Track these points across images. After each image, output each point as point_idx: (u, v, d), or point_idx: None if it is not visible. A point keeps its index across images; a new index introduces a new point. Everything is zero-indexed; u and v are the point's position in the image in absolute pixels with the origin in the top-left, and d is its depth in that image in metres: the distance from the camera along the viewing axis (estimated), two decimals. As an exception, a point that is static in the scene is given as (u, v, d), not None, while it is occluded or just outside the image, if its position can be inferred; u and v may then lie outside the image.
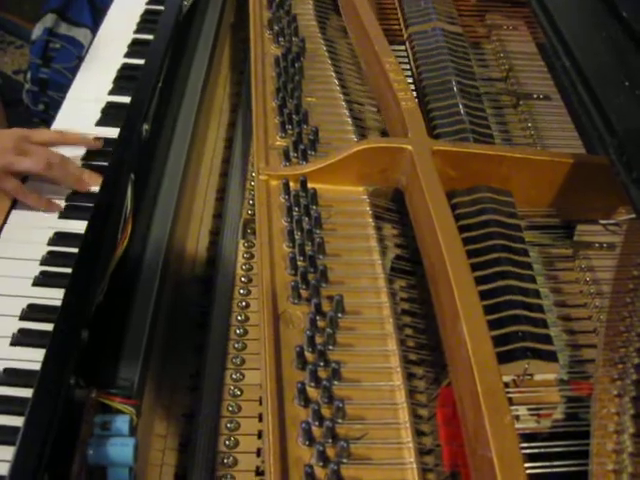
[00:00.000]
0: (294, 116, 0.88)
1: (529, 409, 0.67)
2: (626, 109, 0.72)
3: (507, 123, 0.98)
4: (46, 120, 2.15)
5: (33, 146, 0.98)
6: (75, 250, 0.91)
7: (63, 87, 2.04)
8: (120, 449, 0.58)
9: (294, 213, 0.77)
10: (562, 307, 0.77)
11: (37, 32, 2.07)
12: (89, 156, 1.04)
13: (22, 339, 0.82)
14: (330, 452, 0.60)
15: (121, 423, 0.60)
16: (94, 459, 0.58)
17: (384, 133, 0.93)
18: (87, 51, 1.30)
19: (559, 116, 0.99)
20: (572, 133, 0.97)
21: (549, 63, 1.06)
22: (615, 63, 0.77)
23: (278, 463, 0.58)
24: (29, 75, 2.11)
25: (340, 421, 0.61)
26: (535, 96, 1.02)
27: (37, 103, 2.14)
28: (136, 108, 0.88)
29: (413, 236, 0.77)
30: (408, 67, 1.02)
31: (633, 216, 0.80)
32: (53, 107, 2.11)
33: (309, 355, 0.65)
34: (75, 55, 2.06)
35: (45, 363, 0.62)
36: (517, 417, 0.67)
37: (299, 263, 0.73)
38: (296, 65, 0.97)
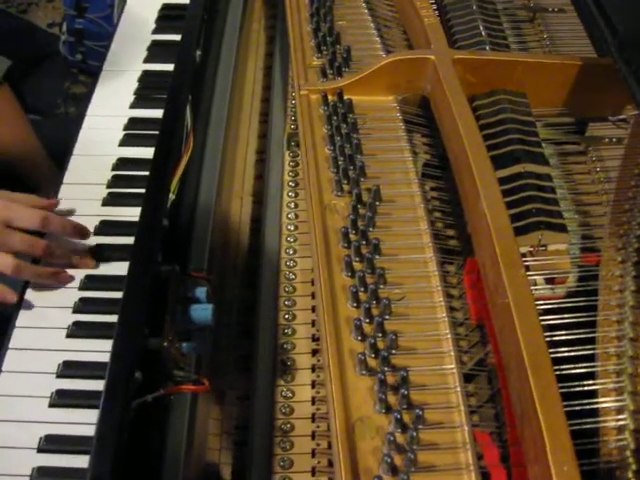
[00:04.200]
0: (328, 38, 0.97)
1: (544, 275, 0.78)
2: (627, 12, 0.81)
3: (524, 35, 1.06)
4: (84, 69, 2.24)
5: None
6: (136, 173, 1.03)
7: (99, 36, 2.11)
8: (201, 312, 0.70)
9: (333, 121, 0.87)
10: (575, 194, 0.86)
11: (68, -17, 2.13)
12: (144, 84, 1.15)
13: (97, 252, 0.93)
14: (375, 311, 0.71)
15: (200, 293, 0.72)
16: (180, 322, 0.70)
17: (410, 48, 1.01)
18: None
19: (573, 26, 1.06)
20: (585, 41, 1.04)
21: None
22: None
23: (331, 321, 0.69)
24: (64, 27, 2.16)
25: (382, 287, 0.73)
26: (550, 9, 1.09)
27: (74, 53, 2.18)
28: (189, 35, 0.98)
29: (440, 137, 0.87)
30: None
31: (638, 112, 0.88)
32: (90, 56, 2.19)
33: (352, 235, 0.76)
34: (107, 4, 2.11)
35: (136, 244, 0.73)
36: (534, 283, 0.77)
37: (340, 162, 0.83)
38: (327, -9, 1.06)
